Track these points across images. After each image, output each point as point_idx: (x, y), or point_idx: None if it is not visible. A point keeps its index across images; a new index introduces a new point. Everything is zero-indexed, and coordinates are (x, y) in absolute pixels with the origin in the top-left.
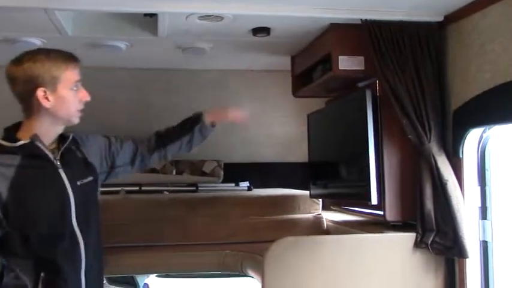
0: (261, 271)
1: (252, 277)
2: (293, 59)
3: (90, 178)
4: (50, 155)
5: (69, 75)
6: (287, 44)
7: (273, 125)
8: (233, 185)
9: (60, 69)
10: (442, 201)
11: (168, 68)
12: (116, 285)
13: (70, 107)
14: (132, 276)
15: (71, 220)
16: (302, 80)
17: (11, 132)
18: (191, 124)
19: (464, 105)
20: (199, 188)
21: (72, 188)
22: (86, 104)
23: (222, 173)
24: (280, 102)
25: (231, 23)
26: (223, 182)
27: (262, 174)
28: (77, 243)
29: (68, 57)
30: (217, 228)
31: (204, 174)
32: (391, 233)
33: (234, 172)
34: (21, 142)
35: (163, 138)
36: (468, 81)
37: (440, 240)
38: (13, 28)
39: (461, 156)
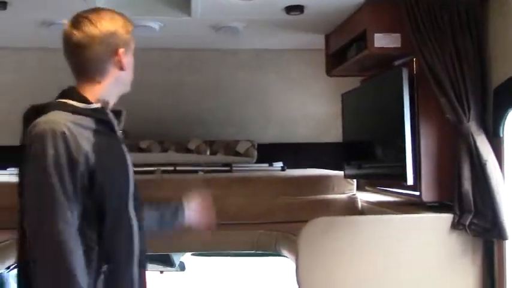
0: (295, 251)
1: (286, 257)
2: (327, 37)
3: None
4: (117, 127)
5: (132, 37)
6: (321, 22)
7: (306, 105)
8: (267, 165)
9: (129, 31)
10: (481, 182)
11: (201, 48)
12: (152, 263)
13: (132, 73)
14: (168, 254)
15: (128, 203)
16: (336, 59)
17: (79, 93)
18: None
19: (506, 83)
20: (233, 168)
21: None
22: None
23: (255, 153)
24: (313, 81)
25: (264, 2)
26: (257, 162)
27: (296, 154)
28: (133, 229)
29: (129, 19)
30: (251, 208)
31: (237, 154)
32: (427, 214)
33: (268, 152)
34: (94, 106)
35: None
36: (509, 58)
37: (479, 221)
38: (49, 10)
39: (501, 135)
